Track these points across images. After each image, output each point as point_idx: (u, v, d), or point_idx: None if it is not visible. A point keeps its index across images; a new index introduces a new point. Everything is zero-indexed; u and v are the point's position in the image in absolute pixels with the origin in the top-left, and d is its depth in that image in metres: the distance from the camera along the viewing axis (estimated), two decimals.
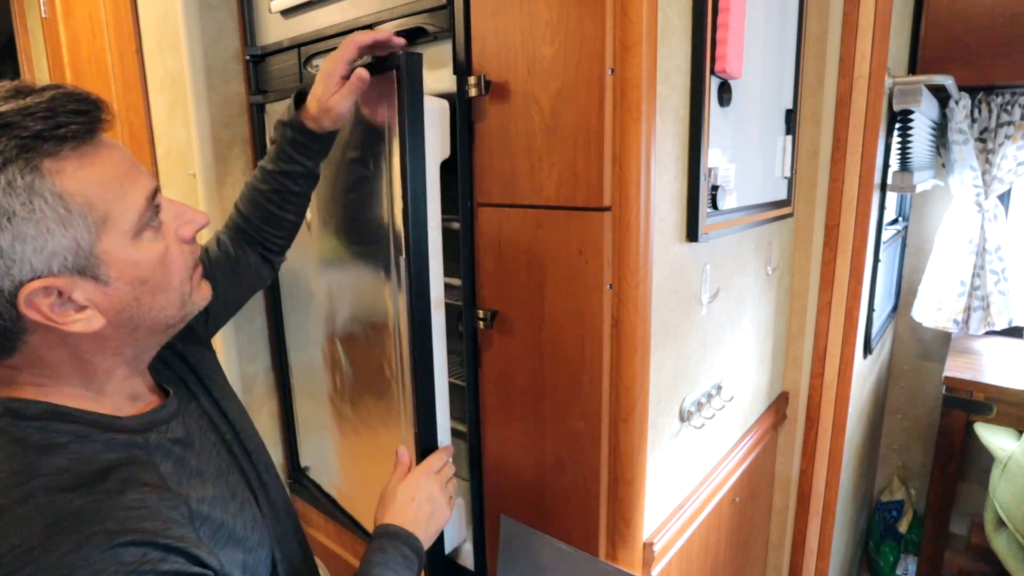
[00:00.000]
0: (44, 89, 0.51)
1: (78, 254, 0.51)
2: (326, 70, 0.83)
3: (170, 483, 0.58)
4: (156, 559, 0.49)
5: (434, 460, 0.87)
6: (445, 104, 0.88)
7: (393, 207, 0.90)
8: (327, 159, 0.91)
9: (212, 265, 0.87)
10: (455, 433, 1.28)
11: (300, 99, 0.86)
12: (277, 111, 1.22)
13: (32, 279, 0.49)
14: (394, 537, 0.76)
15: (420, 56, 0.80)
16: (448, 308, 0.94)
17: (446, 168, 0.90)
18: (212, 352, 0.82)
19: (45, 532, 0.47)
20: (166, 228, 0.59)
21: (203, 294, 0.65)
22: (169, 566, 0.50)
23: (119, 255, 0.53)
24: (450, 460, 0.91)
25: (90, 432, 0.56)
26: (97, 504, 0.50)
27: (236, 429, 0.73)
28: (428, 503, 0.82)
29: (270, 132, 1.26)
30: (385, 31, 0.89)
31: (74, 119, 0.50)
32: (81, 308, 0.53)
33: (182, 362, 0.74)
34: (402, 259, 0.88)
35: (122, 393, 0.61)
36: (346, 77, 0.82)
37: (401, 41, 0.85)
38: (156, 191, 0.58)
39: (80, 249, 0.51)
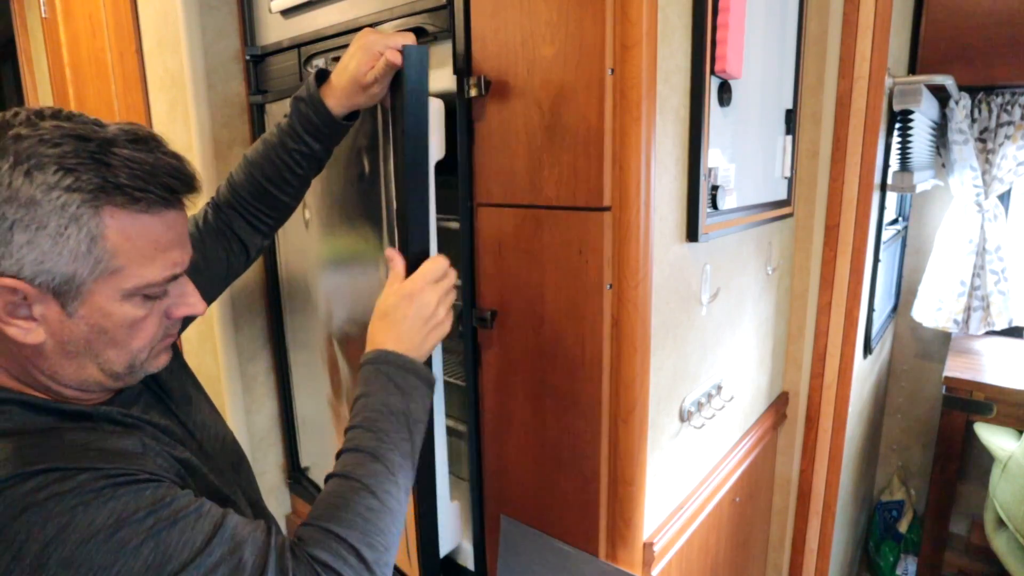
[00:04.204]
0: (161, 149, 0.55)
1: (66, 282, 0.52)
2: (365, 43, 0.79)
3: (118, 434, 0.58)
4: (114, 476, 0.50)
5: (430, 268, 0.77)
6: (440, 104, 0.88)
7: (388, 207, 0.90)
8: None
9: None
10: (455, 433, 1.27)
11: (321, 79, 0.83)
12: (277, 111, 1.22)
13: (12, 276, 0.51)
14: (387, 364, 0.71)
15: (426, 49, 0.79)
16: None
17: (446, 168, 0.90)
18: (178, 357, 0.79)
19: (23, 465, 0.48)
20: (159, 302, 0.59)
21: (158, 363, 0.63)
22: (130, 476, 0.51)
23: (99, 302, 0.54)
24: (450, 269, 0.80)
25: (39, 401, 0.56)
26: (41, 446, 0.51)
27: (197, 438, 0.72)
28: (425, 320, 0.74)
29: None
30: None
31: (159, 191, 0.54)
32: (29, 319, 0.53)
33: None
34: None
35: (74, 396, 0.60)
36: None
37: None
38: (180, 274, 0.59)
39: (71, 279, 0.52)
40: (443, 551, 1.02)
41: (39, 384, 0.57)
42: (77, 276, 0.52)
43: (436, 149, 0.88)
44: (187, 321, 0.72)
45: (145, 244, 0.54)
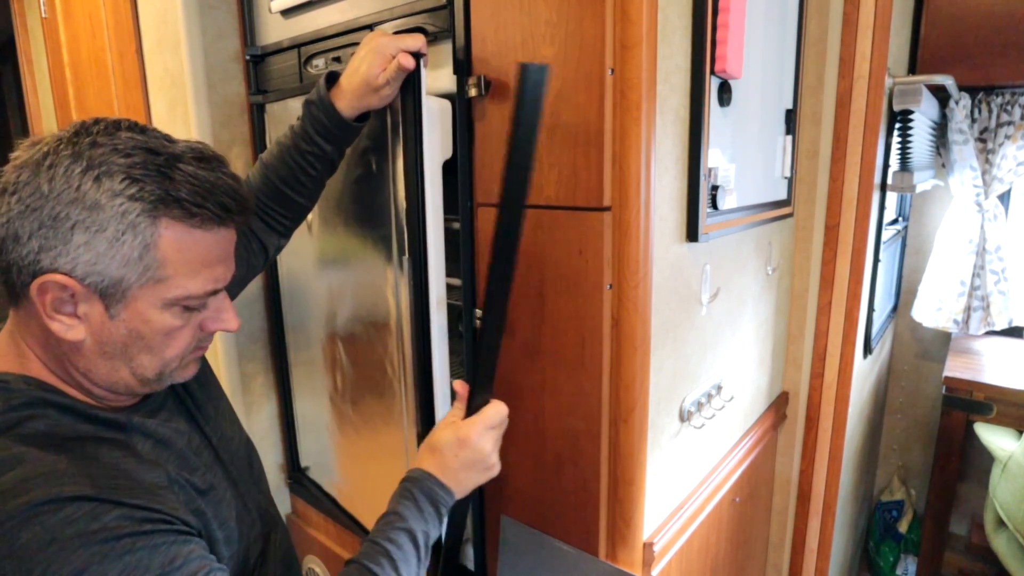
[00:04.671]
0: (223, 170, 0.58)
1: (114, 284, 0.54)
2: (376, 46, 0.79)
3: (146, 458, 0.60)
4: (120, 512, 0.51)
5: (492, 414, 0.76)
6: (447, 104, 0.88)
7: (396, 207, 0.90)
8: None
9: None
10: None
11: (331, 81, 0.83)
12: (277, 111, 1.22)
13: (65, 273, 0.53)
14: (427, 486, 0.72)
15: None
16: (448, 308, 0.94)
17: (445, 168, 0.90)
18: (205, 365, 0.81)
19: (17, 479, 0.49)
20: (197, 314, 0.61)
21: (186, 373, 0.65)
22: (136, 515, 0.52)
23: (141, 308, 0.56)
24: (506, 416, 0.79)
25: (74, 405, 0.58)
26: (68, 461, 0.52)
27: (212, 443, 0.73)
28: (475, 464, 0.74)
29: (270, 132, 1.27)
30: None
31: (215, 209, 0.56)
32: (73, 316, 0.55)
33: None
34: (405, 259, 0.88)
35: (107, 396, 0.62)
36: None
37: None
38: (221, 289, 0.61)
39: (119, 283, 0.54)
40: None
41: (71, 379, 0.59)
42: (125, 280, 0.54)
43: (444, 148, 0.88)
44: None
45: (193, 257, 0.57)
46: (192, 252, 0.56)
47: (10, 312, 0.58)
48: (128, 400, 0.64)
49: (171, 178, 0.54)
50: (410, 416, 0.94)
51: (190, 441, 0.68)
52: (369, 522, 1.12)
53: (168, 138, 0.57)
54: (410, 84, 0.83)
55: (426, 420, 0.90)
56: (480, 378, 0.76)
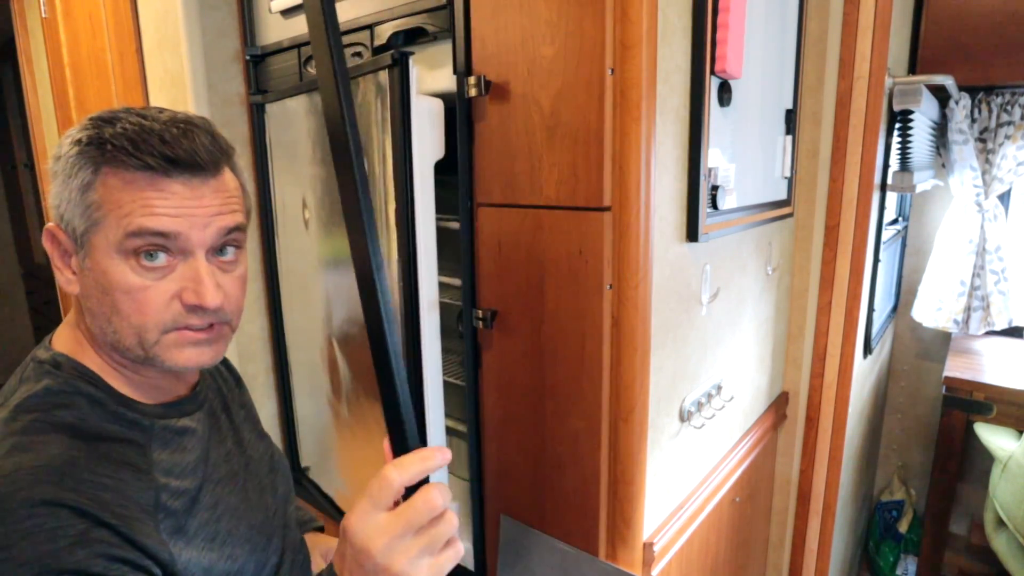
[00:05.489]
0: (176, 122, 0.59)
1: (74, 230, 0.59)
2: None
3: (154, 469, 0.60)
4: (81, 528, 0.51)
5: (413, 513, 0.49)
6: (439, 103, 0.88)
7: (386, 208, 0.89)
8: (326, 156, 0.90)
9: None
10: (456, 433, 1.27)
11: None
12: (277, 111, 1.22)
13: (54, 222, 0.60)
14: None
15: (410, 55, 0.80)
16: (448, 308, 0.94)
17: (445, 168, 0.90)
18: (233, 373, 0.86)
19: (15, 466, 0.52)
20: (167, 279, 0.59)
21: (176, 356, 0.61)
22: (95, 538, 0.52)
23: (98, 257, 0.58)
24: (450, 511, 0.52)
25: (104, 399, 0.61)
26: (73, 462, 0.54)
27: (234, 454, 0.74)
28: None
29: (270, 132, 1.27)
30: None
31: (153, 157, 0.56)
32: (69, 269, 0.61)
33: (222, 380, 0.81)
34: (394, 260, 0.88)
35: (134, 372, 0.64)
36: None
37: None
38: (171, 241, 0.57)
39: (76, 228, 0.58)
40: None
41: (104, 349, 0.62)
42: (78, 225, 0.58)
43: (435, 149, 0.88)
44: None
45: (128, 199, 0.57)
46: (127, 194, 0.57)
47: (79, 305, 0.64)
48: (173, 394, 0.67)
49: (112, 123, 0.57)
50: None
51: (207, 453, 0.69)
52: None
53: (161, 109, 0.61)
54: (399, 83, 0.81)
55: (397, 426, 0.87)
56: (399, 444, 0.55)
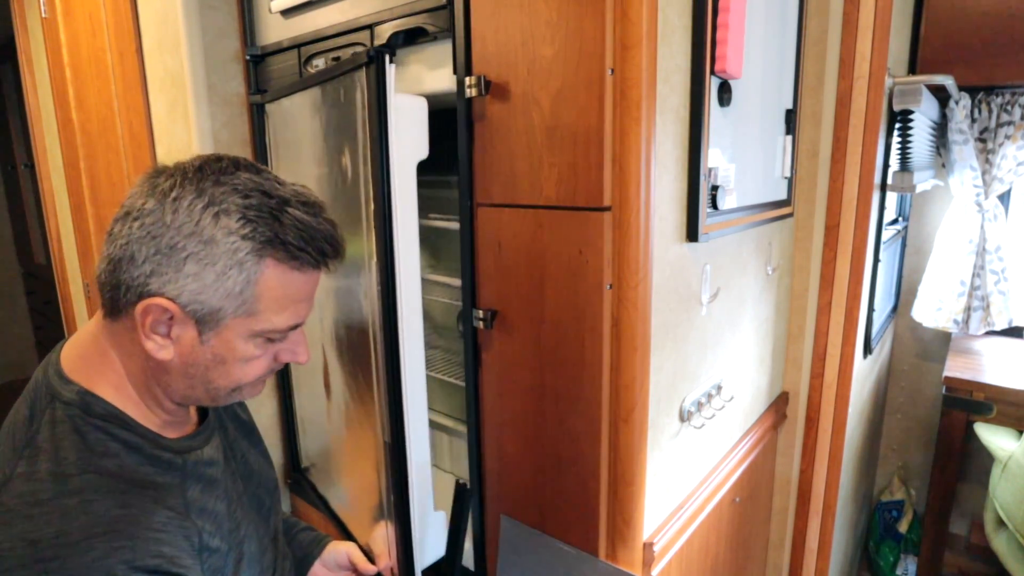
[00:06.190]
0: (324, 215, 0.61)
1: (211, 313, 0.58)
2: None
3: (191, 510, 0.63)
4: None
5: None
6: (422, 102, 0.86)
7: (367, 209, 0.87)
8: (313, 155, 0.89)
9: None
10: (456, 433, 1.27)
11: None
12: (277, 111, 1.22)
13: (170, 298, 0.57)
14: None
15: (391, 53, 0.79)
16: (448, 308, 0.94)
17: (445, 168, 0.90)
18: None
19: (84, 531, 0.52)
20: (275, 345, 0.65)
21: (253, 392, 0.68)
22: None
23: (229, 336, 0.60)
24: None
25: (141, 444, 0.61)
26: (132, 519, 0.55)
27: (251, 469, 0.77)
28: None
29: (270, 132, 1.27)
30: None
31: (315, 254, 0.60)
32: (166, 337, 0.59)
33: None
34: (373, 261, 0.86)
35: (169, 414, 0.66)
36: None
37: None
38: (300, 324, 0.65)
39: (216, 312, 0.58)
40: (429, 560, 1.00)
41: (149, 394, 0.63)
42: (223, 311, 0.58)
43: (418, 148, 0.86)
44: None
45: (284, 295, 0.60)
46: (285, 290, 0.60)
47: (103, 321, 0.62)
48: (188, 427, 0.69)
49: (280, 221, 0.58)
50: (383, 425, 0.92)
51: (227, 478, 0.71)
52: (355, 528, 1.12)
53: (278, 180, 0.61)
54: (375, 81, 0.79)
55: (395, 430, 0.86)
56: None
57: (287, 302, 0.61)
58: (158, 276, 0.56)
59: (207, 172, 0.57)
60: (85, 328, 0.64)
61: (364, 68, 0.80)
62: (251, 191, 0.57)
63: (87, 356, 0.62)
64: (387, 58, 0.78)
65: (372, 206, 0.83)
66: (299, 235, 0.58)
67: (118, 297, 0.58)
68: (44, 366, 0.63)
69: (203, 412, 0.73)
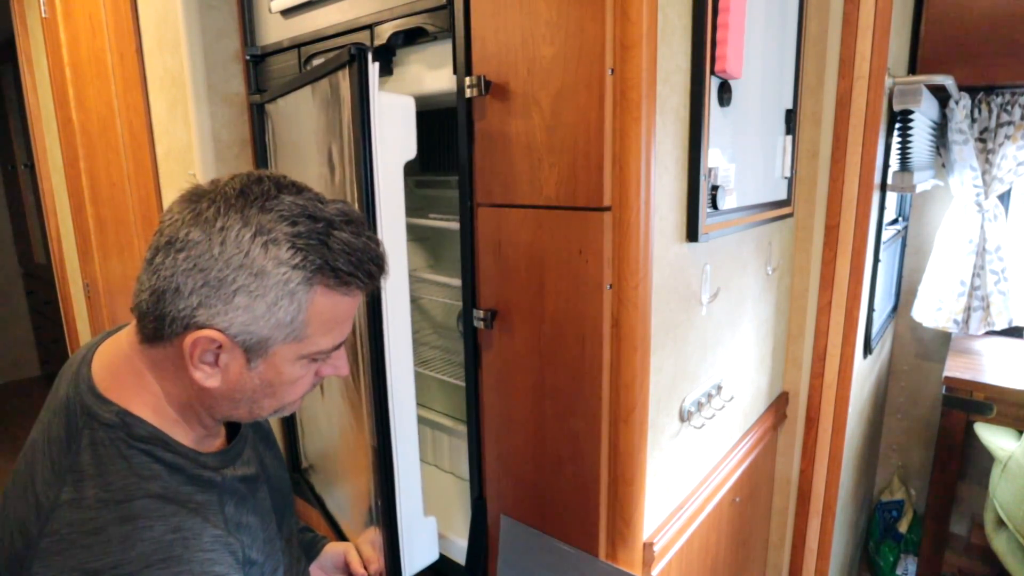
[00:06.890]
0: (367, 234, 0.60)
1: (261, 342, 0.57)
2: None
3: (230, 526, 0.63)
4: None
5: None
6: (409, 100, 0.86)
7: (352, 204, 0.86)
8: (309, 155, 0.88)
9: None
10: (456, 433, 1.27)
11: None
12: (277, 111, 1.22)
13: (219, 329, 0.55)
14: None
15: (373, 52, 0.77)
16: (448, 308, 0.94)
17: (444, 168, 0.90)
18: None
19: (143, 560, 0.52)
20: (317, 364, 0.65)
21: (294, 408, 0.68)
22: None
23: (276, 361, 0.60)
24: None
25: (183, 464, 0.61)
26: (185, 542, 0.55)
27: (268, 474, 0.77)
28: None
29: (270, 132, 1.27)
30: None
31: (364, 277, 0.60)
32: (214, 366, 0.58)
33: None
34: None
35: (206, 429, 0.66)
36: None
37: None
38: (343, 343, 0.65)
39: (266, 341, 0.57)
40: (419, 566, 1.00)
41: (190, 411, 0.62)
42: (272, 339, 0.57)
43: (405, 148, 0.86)
44: None
45: (331, 318, 0.60)
46: (333, 314, 0.60)
47: (139, 345, 0.60)
48: (220, 435, 0.70)
49: (329, 247, 0.56)
50: (369, 428, 0.92)
51: (258, 488, 0.72)
52: (349, 531, 1.12)
53: (319, 198, 0.59)
54: (358, 79, 0.78)
55: (381, 434, 0.86)
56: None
57: (334, 324, 0.61)
58: (206, 308, 0.54)
59: (251, 197, 0.55)
60: (117, 345, 0.62)
61: (347, 67, 0.78)
62: (298, 216, 0.56)
63: (121, 376, 0.60)
64: (369, 56, 0.76)
65: (356, 206, 0.82)
66: (348, 260, 0.57)
67: (162, 328, 0.56)
68: (74, 382, 0.61)
69: (230, 427, 0.73)
